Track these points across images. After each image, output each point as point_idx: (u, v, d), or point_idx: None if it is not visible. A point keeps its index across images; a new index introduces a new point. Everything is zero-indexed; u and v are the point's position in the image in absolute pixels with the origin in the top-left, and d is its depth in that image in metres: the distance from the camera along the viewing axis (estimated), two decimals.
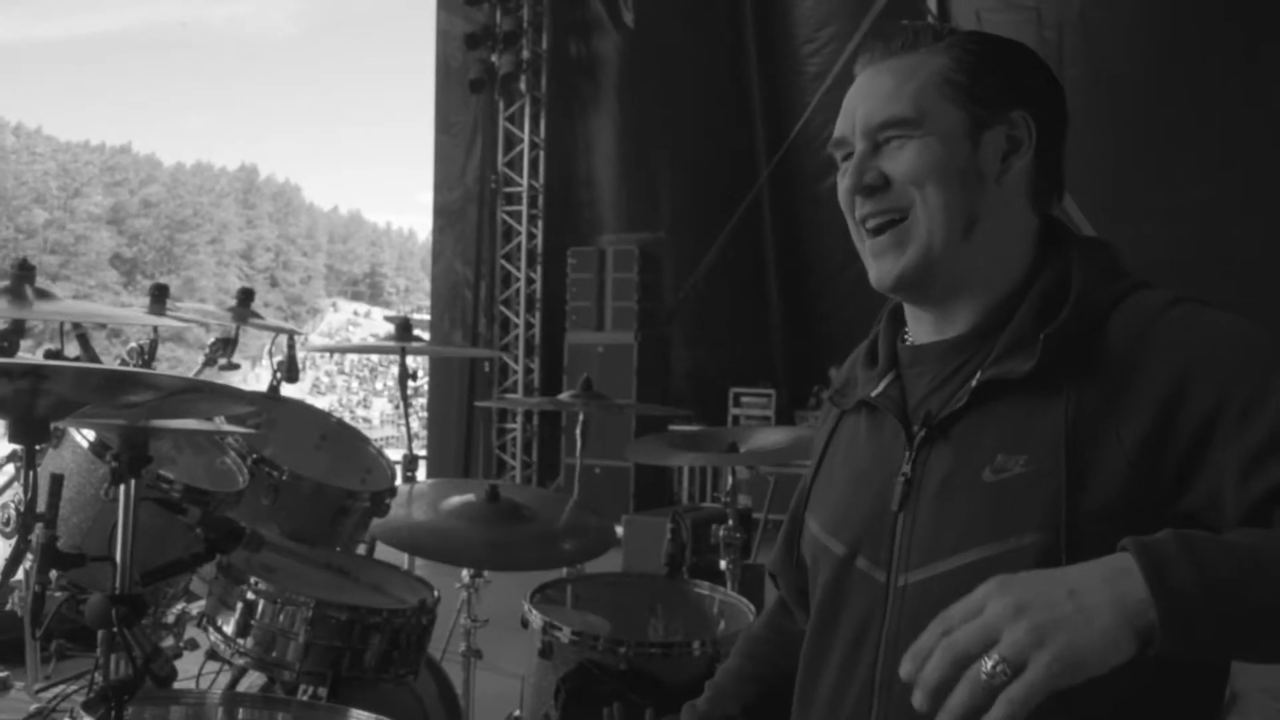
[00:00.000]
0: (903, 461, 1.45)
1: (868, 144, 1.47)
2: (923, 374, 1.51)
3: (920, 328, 1.55)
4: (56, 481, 2.07)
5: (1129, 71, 8.55)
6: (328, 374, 49.65)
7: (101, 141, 69.77)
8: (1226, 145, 8.50)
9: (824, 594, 1.55)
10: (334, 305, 68.51)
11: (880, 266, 1.48)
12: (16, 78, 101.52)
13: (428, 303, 13.49)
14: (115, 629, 1.80)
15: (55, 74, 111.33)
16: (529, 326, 12.08)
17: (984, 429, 1.38)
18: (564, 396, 3.79)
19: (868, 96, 1.48)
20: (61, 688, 2.43)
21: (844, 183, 1.50)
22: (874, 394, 1.55)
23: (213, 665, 2.82)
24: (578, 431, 3.65)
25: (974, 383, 1.40)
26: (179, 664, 2.70)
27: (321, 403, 41.77)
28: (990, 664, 1.04)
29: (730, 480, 3.69)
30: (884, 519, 1.45)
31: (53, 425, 2.54)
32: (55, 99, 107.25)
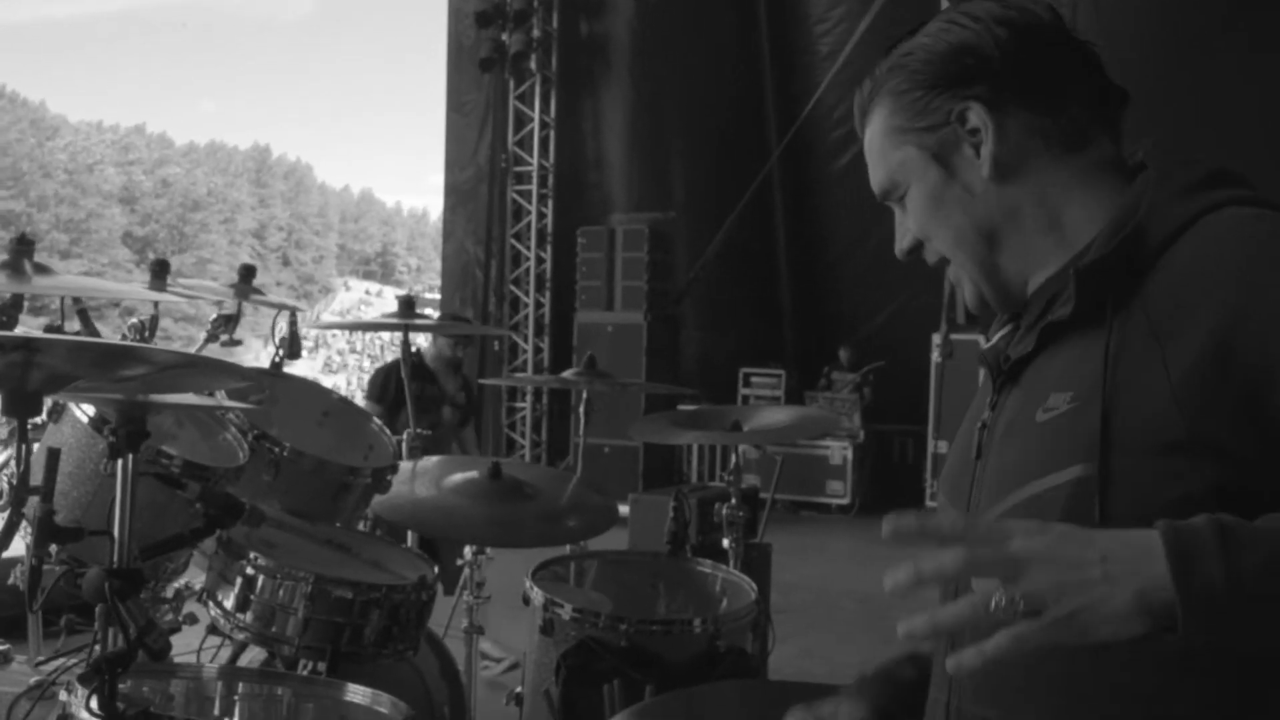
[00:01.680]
0: (985, 409, 1.47)
1: (895, 208, 1.53)
2: (1026, 320, 1.49)
3: None
4: (53, 456, 2.07)
5: (1137, 56, 8.48)
6: (339, 353, 49.76)
7: (115, 123, 69.97)
8: (1231, 136, 8.44)
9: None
10: (346, 284, 68.62)
11: (965, 299, 1.53)
12: (33, 58, 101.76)
13: (439, 282, 13.50)
14: (111, 603, 1.80)
15: (68, 55, 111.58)
16: (539, 306, 12.08)
17: (1045, 371, 1.38)
18: (568, 374, 3.78)
19: (870, 170, 1.54)
20: (61, 661, 2.44)
21: None
22: (985, 346, 1.56)
23: (214, 640, 2.83)
24: (580, 409, 3.65)
25: (1039, 327, 1.39)
26: (179, 638, 2.72)
27: (333, 381, 41.90)
28: (1006, 599, 1.04)
29: (734, 459, 3.68)
30: (968, 466, 1.47)
31: (52, 400, 2.56)
32: (68, 80, 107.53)
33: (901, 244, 1.52)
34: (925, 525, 1.09)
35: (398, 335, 3.70)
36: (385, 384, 6.43)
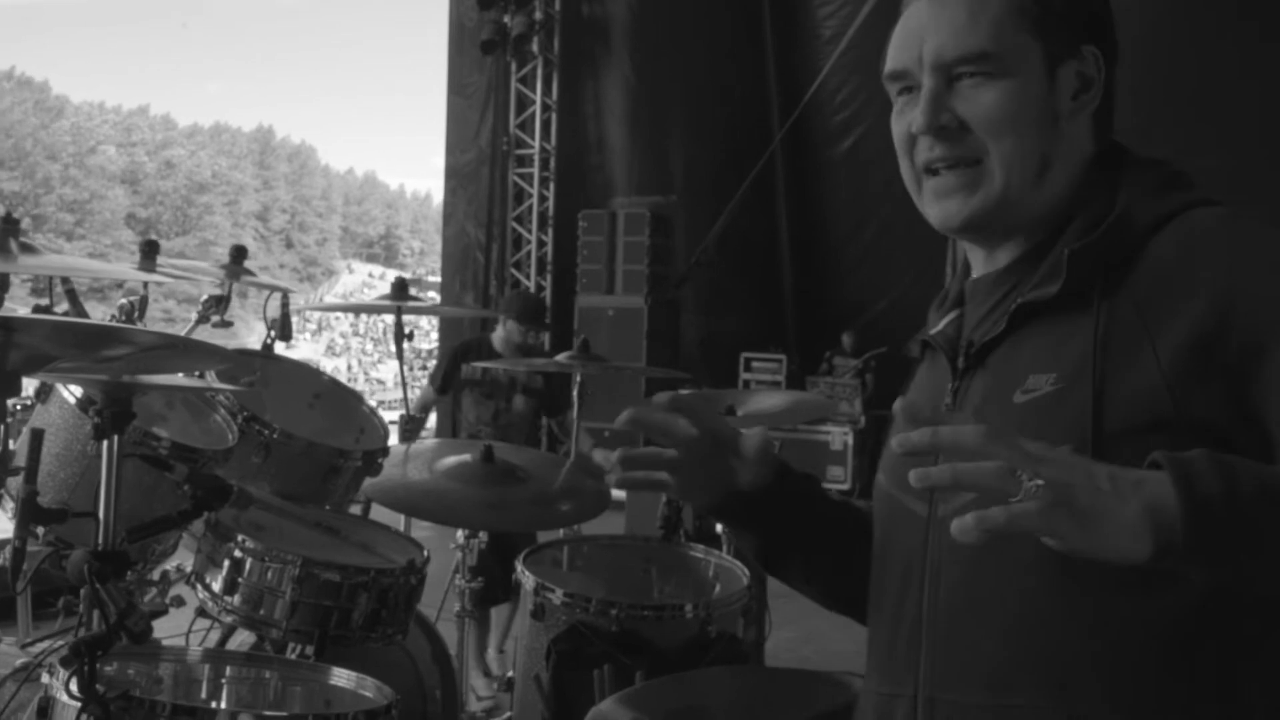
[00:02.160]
0: (945, 393, 1.44)
1: (939, 80, 1.37)
2: (976, 307, 1.48)
3: (976, 260, 1.51)
4: (37, 437, 2.06)
5: (1139, 54, 8.47)
6: (342, 335, 49.81)
7: (118, 103, 69.93)
8: (1243, 116, 8.42)
9: (879, 536, 1.54)
10: (349, 267, 68.66)
11: (945, 207, 1.41)
12: (36, 37, 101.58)
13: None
14: (89, 585, 1.79)
15: (70, 33, 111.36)
16: (539, 289, 12.05)
17: (1019, 353, 1.36)
18: (561, 358, 3.76)
19: (937, 27, 1.38)
20: (47, 643, 2.43)
21: (910, 119, 1.40)
22: (932, 332, 1.52)
23: (203, 623, 2.81)
24: (574, 393, 3.63)
25: (1011, 309, 1.37)
26: (169, 621, 2.71)
27: (336, 363, 41.90)
28: (1033, 483, 1.02)
29: None
30: (927, 454, 1.43)
31: (40, 381, 2.54)
32: (70, 59, 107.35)
33: (940, 120, 1.37)
34: (939, 413, 1.09)
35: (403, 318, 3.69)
36: (438, 369, 5.96)
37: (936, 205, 1.42)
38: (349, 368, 42.56)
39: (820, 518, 1.64)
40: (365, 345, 48.13)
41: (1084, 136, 1.42)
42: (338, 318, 49.52)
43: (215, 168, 67.62)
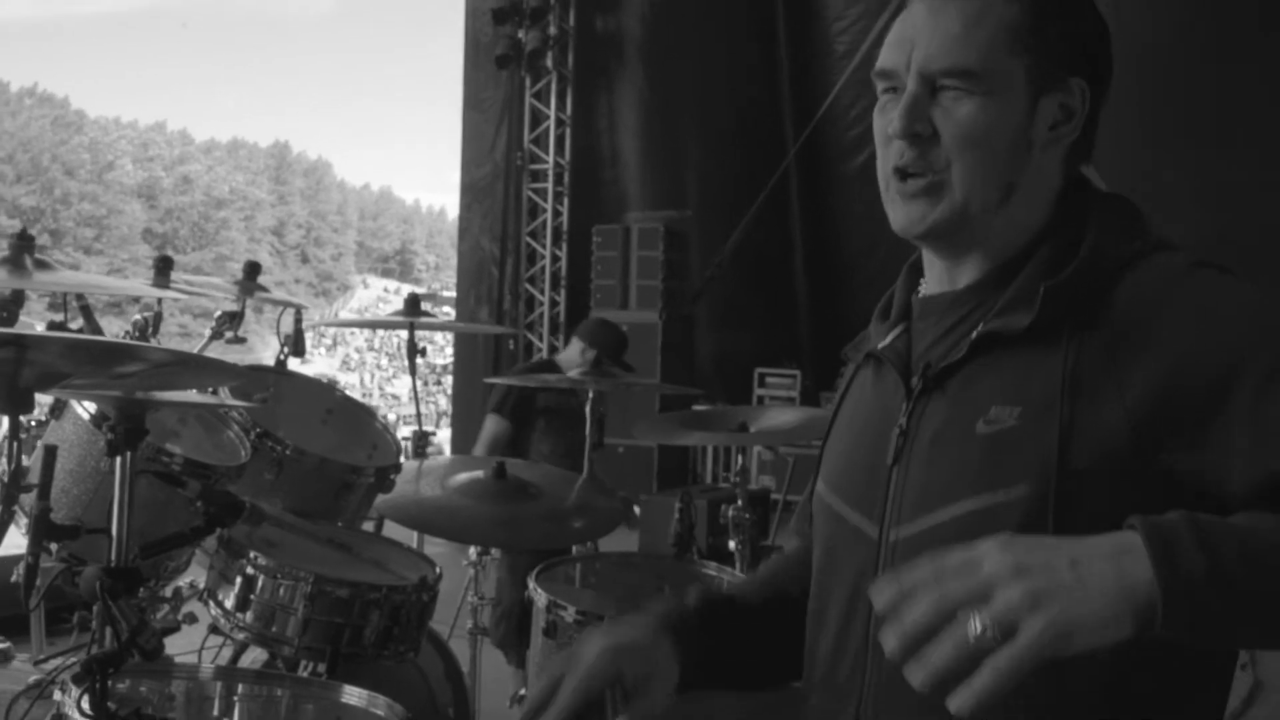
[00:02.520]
0: (899, 414, 1.42)
1: (922, 88, 1.38)
2: (929, 326, 1.47)
3: (932, 275, 1.50)
4: (50, 453, 2.07)
5: (1155, 41, 8.43)
6: (357, 350, 49.93)
7: (134, 119, 70.36)
8: (1249, 125, 8.38)
9: (822, 552, 1.53)
10: (365, 282, 68.91)
11: (908, 212, 1.41)
12: (54, 53, 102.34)
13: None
14: (102, 601, 1.80)
15: (87, 50, 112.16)
16: (554, 304, 12.05)
17: (981, 382, 1.35)
18: (573, 373, 3.77)
19: (930, 34, 1.38)
20: (60, 660, 2.43)
21: (890, 120, 1.40)
22: (881, 346, 1.51)
23: (216, 639, 2.82)
24: (586, 409, 3.64)
25: (974, 335, 1.36)
26: (182, 638, 2.71)
27: (350, 378, 41.98)
28: (979, 626, 1.01)
29: (740, 460, 3.65)
30: (878, 473, 1.42)
31: (54, 397, 2.55)
32: (87, 75, 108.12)
33: (916, 127, 1.37)
34: (903, 587, 1.07)
35: (418, 333, 3.69)
36: (505, 397, 5.19)
37: (900, 208, 1.43)
38: (363, 382, 42.67)
39: (744, 657, 1.65)
40: (380, 360, 48.22)
41: (1054, 167, 1.42)
42: (353, 333, 49.64)
43: (232, 183, 67.99)
